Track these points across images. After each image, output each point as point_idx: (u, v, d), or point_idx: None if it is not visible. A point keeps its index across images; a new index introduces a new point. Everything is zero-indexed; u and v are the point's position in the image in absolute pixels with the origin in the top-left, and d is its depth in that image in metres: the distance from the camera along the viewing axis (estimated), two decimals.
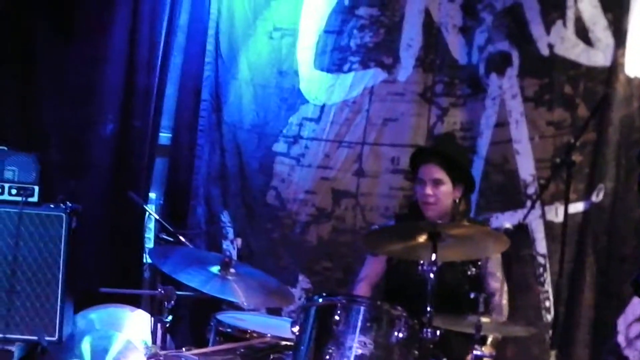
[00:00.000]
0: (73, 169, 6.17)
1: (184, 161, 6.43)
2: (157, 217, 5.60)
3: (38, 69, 6.28)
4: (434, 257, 4.01)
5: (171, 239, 5.35)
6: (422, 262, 4.17)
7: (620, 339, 4.97)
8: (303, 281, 6.15)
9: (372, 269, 5.12)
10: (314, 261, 6.20)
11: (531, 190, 5.58)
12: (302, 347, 4.07)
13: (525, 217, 5.34)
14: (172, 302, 4.59)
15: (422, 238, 4.13)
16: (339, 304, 4.08)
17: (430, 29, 5.93)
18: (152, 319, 4.63)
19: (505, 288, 4.97)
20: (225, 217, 6.33)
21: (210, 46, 6.42)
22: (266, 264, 6.08)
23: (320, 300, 4.19)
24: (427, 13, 5.92)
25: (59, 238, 5.57)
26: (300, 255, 6.22)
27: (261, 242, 6.27)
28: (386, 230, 4.91)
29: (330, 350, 3.94)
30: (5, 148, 5.66)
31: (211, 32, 6.44)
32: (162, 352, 4.42)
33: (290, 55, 6.27)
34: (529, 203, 5.54)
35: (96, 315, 5.83)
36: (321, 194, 6.19)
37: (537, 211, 5.50)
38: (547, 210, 5.51)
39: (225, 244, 6.28)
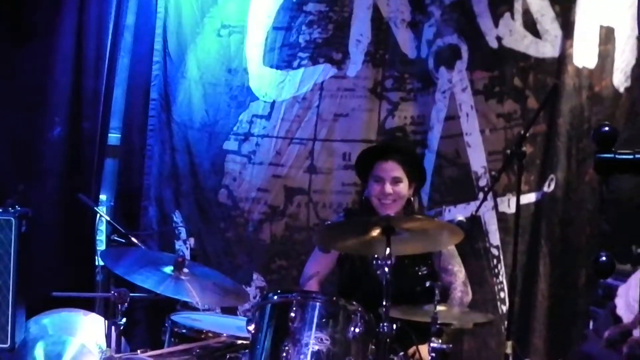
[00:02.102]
0: (22, 173, 6.07)
1: (134, 162, 6.36)
2: (109, 219, 5.51)
3: None
4: (388, 251, 3.99)
5: (123, 241, 5.27)
6: (376, 256, 4.16)
7: (619, 302, 4.98)
8: (258, 280, 6.12)
9: (321, 265, 5.10)
10: (269, 259, 6.18)
11: (483, 182, 5.62)
12: (258, 346, 4.04)
13: (478, 209, 5.36)
14: (126, 304, 4.53)
15: (376, 232, 4.12)
16: (294, 301, 4.06)
17: (380, 24, 5.94)
18: (106, 322, 4.57)
19: (463, 278, 4.98)
20: (177, 218, 6.27)
21: (158, 45, 6.35)
22: (221, 263, 6.06)
23: (275, 297, 4.17)
24: (376, 8, 5.93)
25: (8, 243, 5.47)
26: (255, 254, 6.19)
27: (215, 242, 6.23)
28: (339, 225, 4.90)
29: (286, 348, 3.92)
30: None
31: (158, 31, 6.37)
32: (117, 355, 4.37)
33: (239, 52, 6.23)
34: (481, 195, 5.58)
35: (49, 320, 5.73)
36: (274, 192, 6.17)
37: (489, 203, 5.54)
38: (500, 202, 5.55)
39: (178, 245, 6.23)
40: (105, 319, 4.74)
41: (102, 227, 6.06)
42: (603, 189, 4.92)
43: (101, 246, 5.95)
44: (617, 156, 2.23)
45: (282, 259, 6.15)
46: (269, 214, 6.19)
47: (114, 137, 6.40)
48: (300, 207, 6.14)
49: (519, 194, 4.59)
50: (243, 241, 6.21)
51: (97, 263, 6.10)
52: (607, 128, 2.29)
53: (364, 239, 4.18)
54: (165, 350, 4.53)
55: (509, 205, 5.48)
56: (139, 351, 4.51)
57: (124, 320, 4.53)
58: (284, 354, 3.91)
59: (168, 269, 4.65)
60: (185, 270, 4.66)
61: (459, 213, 5.61)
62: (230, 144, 6.26)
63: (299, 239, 6.13)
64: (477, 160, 5.64)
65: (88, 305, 5.80)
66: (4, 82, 6.14)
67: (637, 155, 2.23)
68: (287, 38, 6.14)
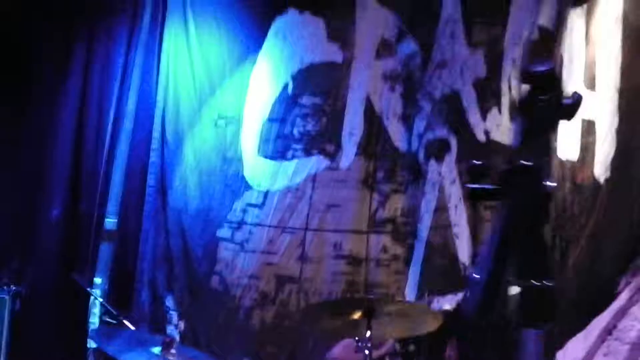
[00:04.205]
0: (19, 251, 6.18)
1: (129, 246, 6.47)
2: (101, 301, 5.60)
3: None
4: (368, 333, 4.07)
5: (115, 322, 5.36)
6: (357, 338, 4.22)
7: None
8: None
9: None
10: (259, 345, 6.21)
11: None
12: None
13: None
14: None
15: (357, 315, 4.20)
16: None
17: (372, 117, 6.06)
18: None
19: None
20: (169, 302, 6.35)
21: (156, 133, 6.52)
22: (211, 347, 6.09)
23: None
24: (369, 101, 6.07)
25: (1, 321, 5.57)
26: (245, 340, 6.23)
27: (206, 326, 6.28)
28: (322, 305, 4.97)
29: None
30: None
31: (157, 119, 6.54)
32: None
33: (235, 142, 6.39)
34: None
35: None
36: (265, 279, 6.24)
37: None
38: None
39: (170, 329, 6.28)
40: None
41: (96, 310, 6.13)
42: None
43: (93, 327, 6.01)
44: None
45: (273, 345, 6.18)
46: (260, 300, 6.25)
47: (110, 222, 6.51)
48: (291, 295, 6.20)
49: None
50: (234, 326, 6.26)
51: (88, 345, 6.15)
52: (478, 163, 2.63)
53: (346, 320, 4.25)
54: None
55: None
56: None
57: None
58: None
59: (156, 349, 4.72)
60: (173, 351, 4.72)
61: (447, 303, 5.66)
62: (224, 232, 6.37)
63: (288, 325, 6.16)
64: (464, 251, 5.71)
65: None
66: (8, 158, 6.31)
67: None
68: (282, 130, 6.29)
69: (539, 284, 2.49)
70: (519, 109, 2.65)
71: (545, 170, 2.62)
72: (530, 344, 4.86)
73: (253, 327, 6.23)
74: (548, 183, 2.59)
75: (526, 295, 2.52)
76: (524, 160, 2.52)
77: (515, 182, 2.57)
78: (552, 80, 2.60)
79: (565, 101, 2.61)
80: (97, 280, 6.25)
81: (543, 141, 2.62)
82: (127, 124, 6.57)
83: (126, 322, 5.35)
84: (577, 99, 2.63)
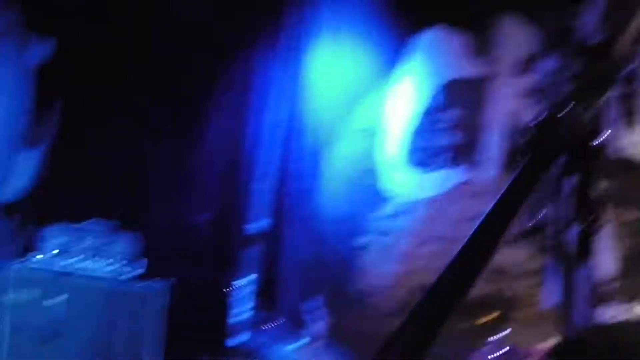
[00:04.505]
0: (173, 248, 6.59)
1: (276, 249, 6.79)
2: (249, 299, 5.93)
3: (147, 159, 6.82)
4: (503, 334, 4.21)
5: (261, 318, 5.67)
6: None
7: None
8: None
9: None
10: None
11: None
12: None
13: None
14: None
15: (494, 316, 4.31)
16: None
17: (514, 131, 6.19)
18: None
19: None
20: (312, 303, 6.62)
21: (300, 144, 6.84)
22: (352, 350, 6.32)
23: None
24: (511, 116, 6.21)
25: (157, 310, 5.97)
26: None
27: (347, 328, 6.51)
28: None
29: None
30: (115, 225, 6.16)
31: (302, 131, 6.86)
32: None
33: (375, 154, 6.64)
34: None
35: None
36: (407, 287, 6.43)
37: None
38: None
39: (313, 327, 6.53)
40: None
41: (242, 307, 6.45)
42: None
43: (240, 321, 6.32)
44: None
45: None
46: (401, 308, 6.44)
47: (258, 226, 6.84)
48: None
49: None
50: (374, 331, 6.45)
51: (232, 331, 6.44)
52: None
53: (483, 322, 4.40)
54: None
55: None
56: None
57: None
58: None
59: (300, 344, 5.04)
60: (317, 346, 5.03)
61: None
62: (366, 239, 6.62)
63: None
64: (606, 263, 5.77)
65: None
66: (164, 170, 6.76)
67: None
68: (425, 142, 6.51)
69: None
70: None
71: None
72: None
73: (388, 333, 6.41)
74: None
75: None
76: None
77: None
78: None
79: None
80: (245, 280, 6.56)
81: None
82: (274, 136, 6.91)
83: (272, 318, 5.65)
84: None
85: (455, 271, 1.91)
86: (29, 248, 6.56)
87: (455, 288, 1.92)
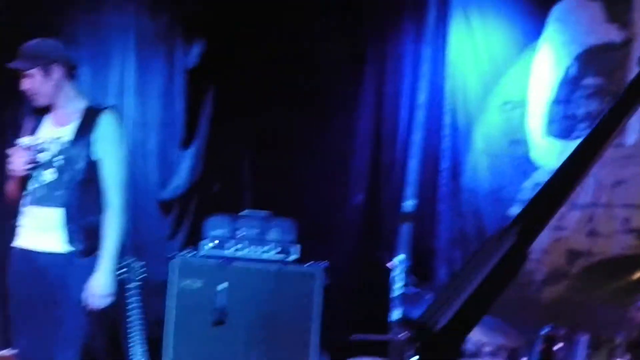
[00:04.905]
0: (326, 232, 6.88)
1: (426, 227, 6.95)
2: (403, 276, 6.11)
3: (296, 146, 7.12)
4: None
5: (417, 292, 5.86)
6: None
7: None
8: None
9: None
10: (549, 319, 6.48)
11: None
12: None
13: None
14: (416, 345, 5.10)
15: None
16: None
17: None
18: None
19: None
20: None
21: (447, 120, 6.99)
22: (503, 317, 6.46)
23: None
24: None
25: (313, 293, 6.25)
26: (536, 313, 6.53)
27: (500, 298, 6.64)
28: (608, 264, 5.20)
29: None
30: (269, 213, 6.48)
31: (447, 108, 7.02)
32: None
33: (521, 125, 6.74)
34: None
35: None
36: (555, 254, 6.51)
37: None
38: None
39: None
40: None
41: (398, 285, 6.65)
42: None
43: (397, 296, 6.51)
44: None
45: (564, 319, 6.43)
46: (551, 275, 6.54)
47: (408, 205, 7.04)
48: (581, 270, 6.45)
49: None
50: (525, 300, 6.58)
51: (391, 314, 6.67)
52: None
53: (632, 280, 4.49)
54: None
55: None
56: None
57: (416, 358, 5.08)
58: None
59: None
60: None
61: None
62: (515, 210, 6.72)
63: (578, 301, 6.40)
64: None
65: (385, 351, 6.32)
66: (313, 153, 7.05)
67: None
68: (566, 111, 6.56)
69: None
70: None
71: None
72: None
73: (543, 301, 6.53)
74: None
75: None
76: None
77: None
78: None
79: None
80: (399, 258, 6.76)
81: None
82: (420, 115, 7.08)
83: (426, 293, 5.83)
84: None
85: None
86: (190, 241, 6.96)
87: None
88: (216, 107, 7.40)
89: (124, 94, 7.33)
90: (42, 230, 5.27)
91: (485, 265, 1.83)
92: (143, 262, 6.03)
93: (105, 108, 5.40)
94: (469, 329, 1.78)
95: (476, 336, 5.18)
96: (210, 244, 6.52)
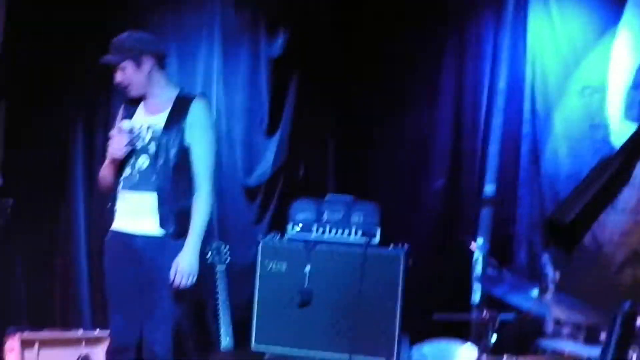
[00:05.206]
0: (408, 216, 7.04)
1: (507, 211, 7.05)
2: (484, 256, 6.25)
3: (377, 132, 7.30)
4: None
5: (498, 273, 5.98)
6: None
7: None
8: None
9: None
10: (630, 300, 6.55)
11: None
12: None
13: None
14: (497, 323, 5.26)
15: None
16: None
17: None
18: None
19: None
20: (545, 259, 6.86)
21: (527, 106, 7.08)
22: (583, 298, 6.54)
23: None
24: None
25: (396, 275, 6.41)
26: (616, 294, 6.59)
27: (579, 280, 6.72)
28: None
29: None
30: (352, 197, 6.66)
31: (527, 94, 7.10)
32: None
33: (600, 110, 6.80)
34: None
35: (429, 348, 6.51)
36: (636, 236, 6.57)
37: None
38: None
39: (545, 280, 6.79)
40: (477, 339, 5.47)
41: (479, 267, 6.78)
42: None
43: (478, 276, 6.65)
44: None
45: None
46: (632, 257, 6.60)
47: (489, 189, 7.16)
48: None
49: None
50: (605, 282, 6.66)
51: (472, 296, 6.80)
52: None
53: None
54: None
55: None
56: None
57: (495, 337, 5.24)
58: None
59: (534, 293, 5.30)
60: (548, 296, 5.29)
61: None
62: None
63: None
64: None
65: (465, 332, 6.47)
66: (393, 140, 7.21)
67: None
68: None
69: None
70: None
71: None
72: None
73: (623, 282, 6.58)
74: None
75: None
76: None
77: None
78: None
79: None
80: (479, 241, 6.88)
81: None
82: (500, 101, 7.18)
83: (506, 275, 5.95)
84: None
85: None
86: (275, 225, 7.16)
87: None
88: (300, 95, 7.59)
89: (210, 84, 7.56)
90: (136, 214, 5.52)
91: (600, 178, 2.81)
92: (229, 246, 6.28)
93: (196, 96, 5.63)
94: (589, 224, 2.73)
95: (556, 315, 5.27)
96: (297, 228, 6.71)
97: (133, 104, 5.69)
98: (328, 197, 6.88)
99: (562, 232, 2.61)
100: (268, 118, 7.64)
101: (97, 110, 7.66)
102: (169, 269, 5.42)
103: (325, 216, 6.72)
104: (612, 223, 6.69)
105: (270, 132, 7.62)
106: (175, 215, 5.46)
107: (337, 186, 7.26)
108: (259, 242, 6.74)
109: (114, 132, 5.53)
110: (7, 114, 7.48)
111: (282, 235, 6.77)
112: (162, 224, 5.45)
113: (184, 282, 5.42)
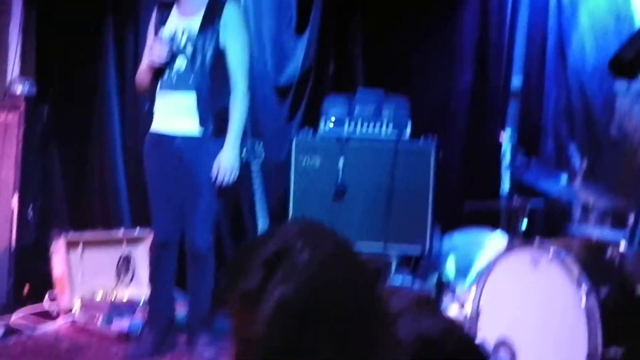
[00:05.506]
0: (436, 109, 7.20)
1: (533, 103, 7.19)
2: (512, 146, 6.39)
3: (405, 27, 7.40)
4: None
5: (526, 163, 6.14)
6: None
7: None
8: None
9: None
10: None
11: None
12: None
13: None
14: (526, 210, 5.45)
15: None
16: None
17: None
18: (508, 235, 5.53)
19: None
20: (571, 149, 7.01)
21: (552, 0, 7.15)
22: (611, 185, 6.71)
23: None
24: None
25: (428, 166, 6.61)
26: (638, 182, 6.75)
27: (605, 169, 6.89)
28: None
29: None
30: (383, 91, 6.82)
31: None
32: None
33: (626, 2, 6.86)
34: None
35: (460, 237, 6.71)
36: None
37: None
38: None
39: (572, 169, 6.96)
40: (508, 225, 5.67)
41: (507, 157, 6.92)
42: None
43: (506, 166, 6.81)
44: None
45: None
46: None
47: (516, 82, 7.27)
48: None
49: None
50: (631, 169, 6.81)
51: (501, 186, 6.97)
52: None
53: None
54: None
55: None
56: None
57: (525, 224, 5.43)
58: None
59: (563, 180, 5.48)
60: (577, 183, 5.48)
61: None
62: (619, 85, 6.89)
63: None
64: None
65: (494, 221, 6.65)
66: (420, 39, 7.35)
67: None
68: None
69: None
70: None
71: None
72: None
73: None
74: None
75: None
76: None
77: None
78: None
79: None
80: (507, 132, 7.02)
81: None
82: None
83: (534, 164, 6.11)
84: None
85: None
86: (307, 122, 7.32)
87: None
88: None
89: None
90: (176, 114, 5.71)
91: None
92: (263, 143, 6.46)
93: None
94: None
95: (584, 200, 5.46)
96: (330, 124, 6.87)
97: (166, 7, 5.82)
98: (359, 91, 7.04)
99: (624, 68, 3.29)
100: (296, 16, 7.72)
101: (128, 13, 7.76)
102: (209, 166, 5.64)
103: (356, 111, 6.88)
104: (638, 113, 6.82)
105: (300, 30, 7.72)
106: (214, 115, 5.66)
107: (368, 81, 7.39)
108: (292, 139, 6.92)
109: (153, 41, 5.69)
110: (38, 20, 7.59)
111: (315, 131, 6.94)
112: (202, 123, 5.65)
113: (227, 179, 5.64)
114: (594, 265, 5.03)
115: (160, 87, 5.77)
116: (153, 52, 5.64)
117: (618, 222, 6.26)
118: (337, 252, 1.77)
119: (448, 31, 7.43)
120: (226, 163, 5.62)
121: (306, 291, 1.69)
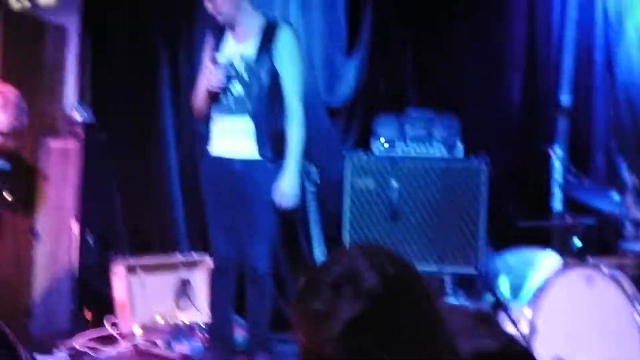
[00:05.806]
0: (486, 127, 7.28)
1: (582, 119, 7.25)
2: (563, 163, 6.46)
3: (454, 46, 7.49)
4: None
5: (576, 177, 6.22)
6: None
7: None
8: None
9: None
10: None
11: None
12: None
13: None
14: (579, 228, 5.52)
15: None
16: None
17: None
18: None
19: None
20: (621, 165, 7.05)
21: (599, 15, 7.22)
22: None
23: None
24: None
25: (479, 185, 6.69)
26: None
27: None
28: None
29: None
30: (433, 111, 6.92)
31: (599, 4, 7.23)
32: None
33: None
34: None
35: (512, 257, 6.77)
36: None
37: None
38: None
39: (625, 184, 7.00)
40: (560, 248, 5.75)
41: (557, 174, 6.98)
42: None
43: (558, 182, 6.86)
44: None
45: None
46: None
47: (565, 98, 7.33)
48: None
49: None
50: None
51: (552, 204, 7.02)
52: None
53: None
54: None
55: None
56: None
57: (578, 243, 5.51)
58: None
59: (614, 196, 5.55)
60: (627, 199, 5.53)
61: None
62: None
63: None
64: None
65: (545, 239, 6.70)
66: (471, 53, 7.45)
67: None
68: None
69: None
70: None
71: None
72: None
73: None
74: None
75: None
76: None
77: None
78: None
79: None
80: (557, 149, 7.07)
81: None
82: (572, 12, 7.32)
83: (584, 179, 6.18)
84: None
85: None
86: (359, 143, 7.41)
87: None
88: (376, 14, 7.75)
89: (288, 6, 7.74)
90: (234, 138, 5.85)
91: None
92: (317, 167, 6.56)
93: (281, 22, 5.90)
94: None
95: (636, 216, 5.52)
96: (385, 145, 6.94)
97: (219, 30, 5.96)
98: (409, 111, 7.13)
99: None
100: (347, 38, 7.83)
101: (181, 38, 7.90)
102: (268, 189, 5.76)
103: (407, 131, 6.97)
104: None
105: (350, 52, 7.82)
106: (271, 138, 5.78)
107: (418, 101, 7.49)
108: (344, 160, 7.02)
109: (209, 67, 5.81)
110: (93, 47, 7.75)
111: (367, 151, 7.04)
112: (260, 147, 5.77)
113: (289, 205, 5.77)
114: None
115: (218, 112, 5.90)
116: (210, 77, 5.77)
117: None
118: (400, 273, 1.87)
119: (497, 49, 7.53)
120: (287, 189, 5.75)
121: (373, 310, 1.80)
